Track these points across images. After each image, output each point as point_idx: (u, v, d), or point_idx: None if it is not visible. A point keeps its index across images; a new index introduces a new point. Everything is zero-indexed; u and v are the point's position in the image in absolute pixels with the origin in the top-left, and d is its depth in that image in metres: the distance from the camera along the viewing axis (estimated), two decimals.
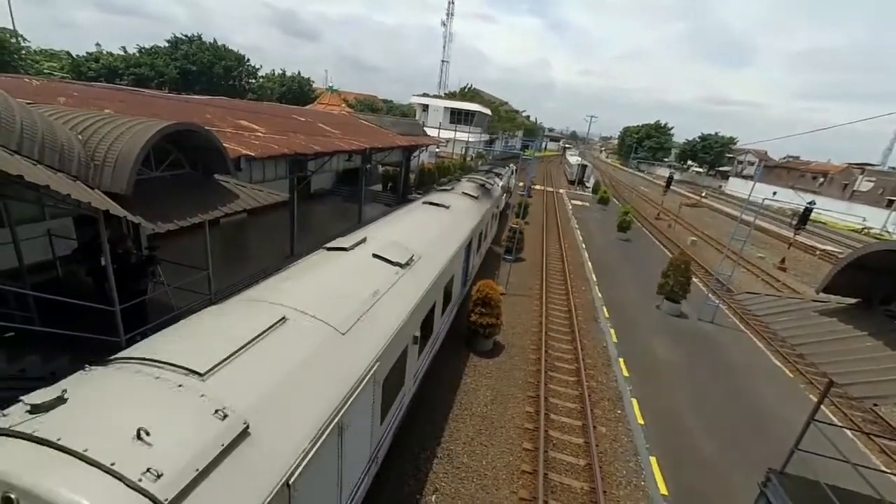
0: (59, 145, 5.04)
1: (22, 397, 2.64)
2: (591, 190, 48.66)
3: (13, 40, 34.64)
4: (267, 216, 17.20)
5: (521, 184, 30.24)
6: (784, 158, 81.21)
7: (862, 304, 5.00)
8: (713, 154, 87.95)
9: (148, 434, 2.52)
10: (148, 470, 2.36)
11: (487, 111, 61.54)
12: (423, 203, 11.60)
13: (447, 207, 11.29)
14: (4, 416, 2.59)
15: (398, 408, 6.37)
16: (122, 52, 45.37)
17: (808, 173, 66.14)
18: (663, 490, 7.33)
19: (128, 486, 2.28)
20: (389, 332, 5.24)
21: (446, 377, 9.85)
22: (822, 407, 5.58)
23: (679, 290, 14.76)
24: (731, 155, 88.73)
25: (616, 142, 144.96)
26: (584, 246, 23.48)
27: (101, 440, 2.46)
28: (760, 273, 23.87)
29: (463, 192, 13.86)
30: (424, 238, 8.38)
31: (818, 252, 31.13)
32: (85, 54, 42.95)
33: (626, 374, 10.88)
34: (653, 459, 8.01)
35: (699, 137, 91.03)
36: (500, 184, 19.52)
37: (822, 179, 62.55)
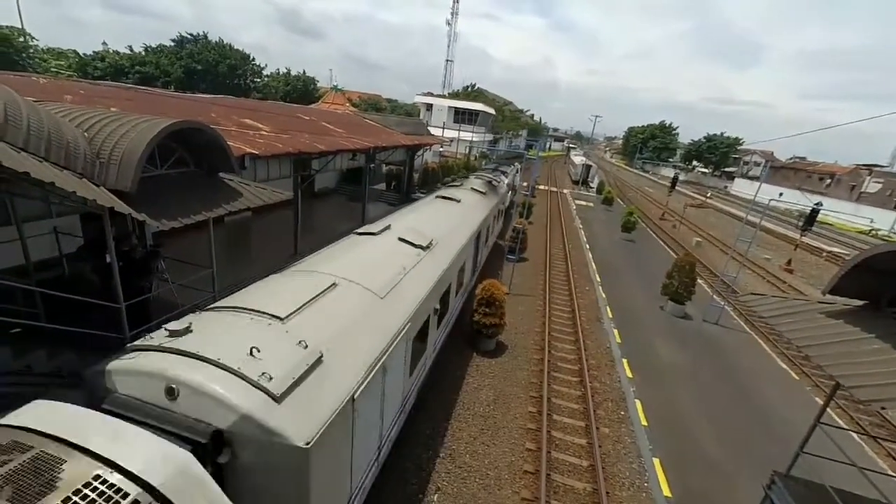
0: (65, 143, 5.07)
1: (165, 325, 3.76)
2: (595, 190, 48.52)
3: (21, 39, 34.94)
4: (271, 215, 17.25)
5: (525, 184, 30.20)
6: (790, 159, 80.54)
7: (869, 306, 4.94)
8: (718, 154, 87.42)
9: (259, 351, 3.56)
10: (263, 374, 3.40)
11: (491, 111, 61.44)
12: (436, 197, 12.58)
13: (458, 201, 12.21)
14: (151, 338, 3.69)
15: (422, 368, 7.32)
16: (127, 51, 45.67)
17: (815, 174, 65.58)
18: (667, 492, 7.29)
19: (250, 383, 3.32)
20: (416, 301, 6.16)
21: (449, 377, 9.84)
22: (828, 410, 5.53)
23: (684, 292, 14.67)
24: (736, 155, 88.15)
25: (621, 142, 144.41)
26: (587, 246, 23.40)
27: (227, 354, 3.46)
28: (766, 274, 23.69)
29: (472, 188, 14.62)
30: (440, 227, 9.17)
31: (825, 254, 30.86)
32: (91, 53, 43.27)
33: (629, 375, 10.83)
34: (656, 461, 7.97)
35: (704, 138, 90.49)
36: (506, 181, 20.41)
37: (829, 180, 62.02)
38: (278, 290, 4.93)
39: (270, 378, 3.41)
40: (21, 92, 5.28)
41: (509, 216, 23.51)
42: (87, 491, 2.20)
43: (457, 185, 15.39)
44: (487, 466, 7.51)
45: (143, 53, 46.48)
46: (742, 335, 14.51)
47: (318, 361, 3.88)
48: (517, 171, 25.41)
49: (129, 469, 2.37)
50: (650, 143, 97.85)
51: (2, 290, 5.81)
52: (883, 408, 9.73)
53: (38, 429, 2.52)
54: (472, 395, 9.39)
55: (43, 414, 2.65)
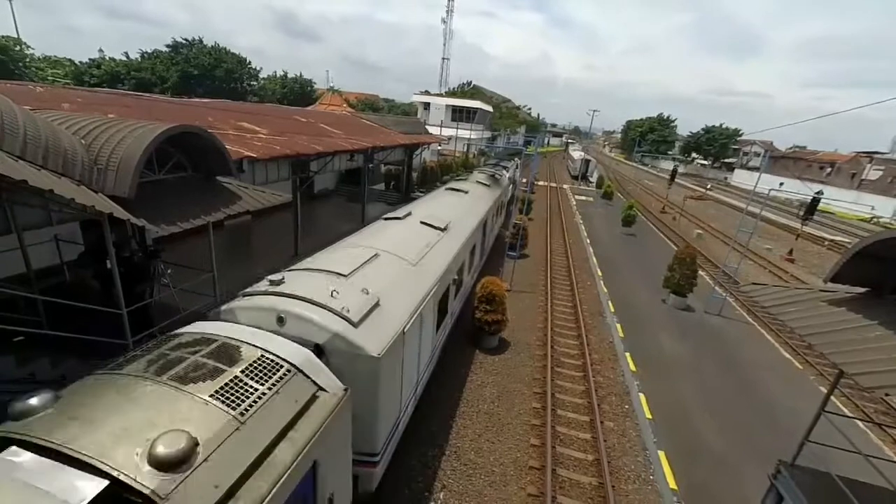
0: (63, 150, 5.08)
1: (266, 277, 5.26)
2: (594, 185, 48.44)
3: (17, 48, 34.97)
4: (271, 218, 17.26)
5: (524, 180, 30.20)
6: (790, 149, 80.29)
7: (871, 293, 4.93)
8: (717, 146, 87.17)
9: (337, 293, 5.03)
10: (343, 307, 4.83)
11: (489, 108, 61.33)
12: (447, 189, 14.11)
13: (466, 192, 13.73)
14: (255, 287, 5.17)
15: (444, 328, 8.86)
16: (123, 58, 45.69)
17: (816, 163, 65.35)
18: (672, 484, 7.29)
19: (336, 313, 4.74)
20: (440, 270, 7.63)
21: (452, 374, 9.85)
22: (832, 398, 5.52)
23: (685, 284, 14.65)
24: (736, 146, 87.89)
25: (619, 136, 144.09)
26: (588, 241, 23.37)
27: (316, 294, 4.91)
28: (768, 265, 23.65)
29: (477, 181, 16.13)
30: (453, 214, 10.59)
31: (826, 242, 30.78)
32: (88, 60, 43.31)
33: (633, 368, 10.82)
34: (661, 454, 7.96)
35: (703, 129, 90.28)
36: (507, 175, 21.97)
37: (829, 169, 61.80)
38: (335, 258, 6.36)
39: (349, 310, 4.86)
40: (18, 100, 5.28)
41: (510, 209, 23.87)
42: (258, 363, 3.59)
43: (463, 179, 16.67)
44: (493, 463, 7.52)
45: (139, 60, 46.48)
46: (744, 326, 14.49)
47: (377, 304, 5.36)
48: (517, 167, 27.26)
49: (279, 353, 3.79)
50: (649, 137, 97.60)
51: (4, 299, 5.83)
52: (887, 394, 9.71)
53: (214, 333, 3.86)
54: (475, 393, 9.40)
55: (210, 327, 4.07)
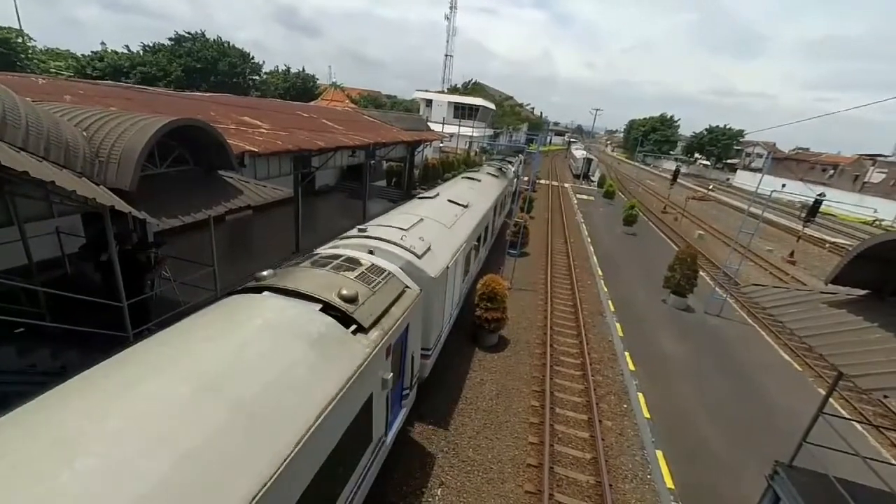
0: (65, 142, 5.07)
1: (357, 227, 7.96)
2: (596, 184, 48.36)
3: (19, 40, 34.91)
4: (272, 213, 17.28)
5: (525, 178, 30.16)
6: (793, 150, 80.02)
7: (872, 296, 4.92)
8: (720, 146, 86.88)
9: (404, 238, 7.44)
10: (410, 246, 7.26)
11: (491, 106, 61.17)
12: (463, 177, 16.95)
13: (479, 181, 16.32)
14: (348, 233, 7.80)
15: (468, 278, 11.75)
16: (125, 51, 45.56)
17: (818, 165, 65.11)
18: (670, 484, 7.31)
19: (405, 248, 7.15)
20: (466, 234, 10.09)
21: (451, 372, 9.87)
22: (831, 400, 5.52)
23: (685, 284, 14.64)
24: (739, 147, 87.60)
25: (622, 135, 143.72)
26: (589, 240, 23.35)
27: (391, 237, 7.38)
28: (769, 266, 23.63)
29: (487, 173, 19.21)
30: (471, 196, 12.90)
31: (828, 245, 30.73)
32: (90, 53, 43.20)
33: (632, 368, 10.83)
34: (659, 453, 7.98)
35: (706, 130, 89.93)
36: (512, 169, 24.82)
37: (832, 171, 61.59)
38: (395, 219, 8.81)
39: (413, 248, 7.29)
40: (20, 92, 5.27)
41: (512, 207, 24.40)
42: (371, 268, 5.72)
43: (476, 171, 20.15)
44: (491, 460, 7.54)
45: (142, 53, 46.35)
46: (744, 327, 14.49)
47: (430, 248, 7.76)
48: (521, 162, 29.69)
49: (381, 265, 6.01)
50: (651, 136, 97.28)
51: (5, 291, 5.84)
52: (886, 396, 9.70)
53: (338, 253, 6.16)
54: (474, 390, 9.42)
55: (333, 250, 6.49)
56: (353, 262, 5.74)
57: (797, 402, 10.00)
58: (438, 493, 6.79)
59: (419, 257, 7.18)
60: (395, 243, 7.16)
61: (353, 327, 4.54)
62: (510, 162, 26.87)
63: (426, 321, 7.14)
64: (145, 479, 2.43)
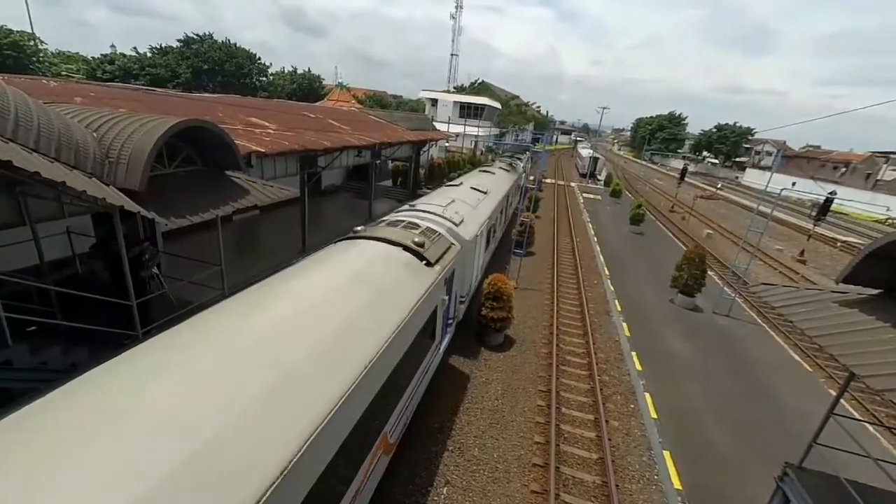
0: (75, 143, 5.15)
1: (407, 203, 11.21)
2: (603, 183, 48.04)
3: (31, 43, 35.45)
4: (278, 212, 17.40)
5: (531, 177, 30.10)
6: (804, 148, 78.90)
7: (884, 295, 4.84)
8: (729, 144, 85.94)
9: (445, 211, 9.81)
10: (449, 217, 9.61)
11: (497, 105, 61.00)
12: (480, 171, 19.51)
13: (493, 173, 18.60)
14: (400, 208, 10.36)
15: (489, 252, 14.45)
16: (134, 53, 46.10)
17: (829, 163, 64.17)
18: (677, 484, 7.25)
19: (448, 219, 9.44)
20: (488, 213, 12.37)
21: (457, 371, 9.87)
22: (842, 401, 5.44)
23: (693, 284, 14.50)
24: (748, 145, 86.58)
25: (629, 134, 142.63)
26: (595, 239, 23.22)
27: (436, 210, 9.66)
28: (778, 266, 23.33)
29: (500, 167, 21.74)
30: (489, 185, 15.42)
31: (839, 244, 30.26)
32: (100, 56, 43.79)
33: (639, 368, 10.76)
34: (666, 454, 7.92)
35: (715, 128, 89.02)
36: (521, 164, 27.67)
37: (843, 169, 60.66)
38: (434, 199, 11.15)
39: (452, 218, 9.51)
40: (32, 94, 5.36)
41: (521, 200, 24.90)
42: (427, 229, 8.04)
43: (490, 165, 23.07)
44: (496, 460, 7.53)
45: (150, 55, 46.87)
46: (753, 327, 14.32)
47: (463, 220, 9.89)
48: (528, 159, 32.75)
49: (434, 227, 8.39)
50: (659, 135, 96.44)
51: (18, 290, 5.94)
52: None
53: (400, 219, 8.36)
54: (480, 390, 9.41)
55: (395, 217, 8.77)
56: (414, 225, 8.08)
57: (807, 403, 9.87)
58: (444, 491, 6.79)
59: (457, 225, 9.45)
60: (438, 215, 9.40)
61: (424, 262, 6.76)
62: (519, 159, 29.73)
63: (461, 274, 9.28)
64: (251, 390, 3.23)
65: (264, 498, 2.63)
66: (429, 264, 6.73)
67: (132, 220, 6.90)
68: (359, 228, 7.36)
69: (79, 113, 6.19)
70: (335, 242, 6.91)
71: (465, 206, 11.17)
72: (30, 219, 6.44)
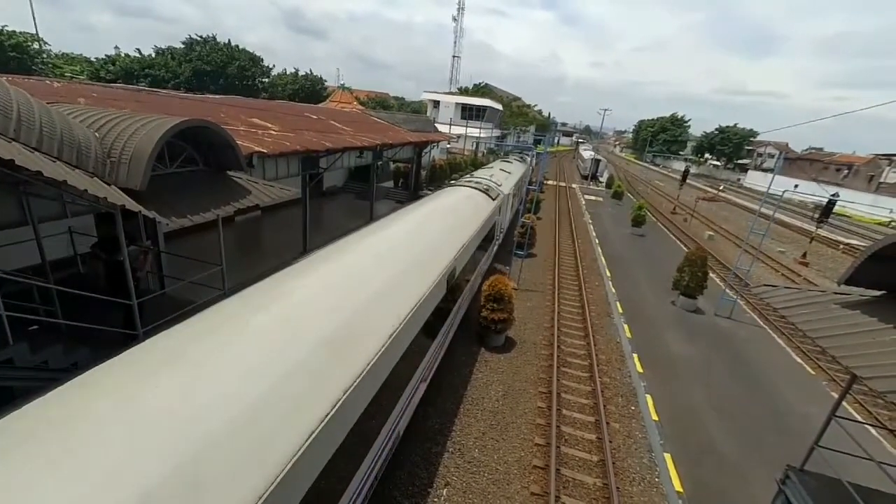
0: (77, 142, 5.16)
1: (469, 174, 18.64)
2: (604, 185, 48.00)
3: (35, 45, 35.64)
4: (280, 213, 17.43)
5: (533, 179, 30.22)
6: (806, 150, 78.75)
7: (887, 296, 4.81)
8: (731, 147, 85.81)
9: (492, 178, 16.37)
10: (495, 183, 15.51)
11: (499, 106, 61.07)
12: (501, 160, 26.32)
13: (511, 163, 24.93)
14: (459, 179, 16.37)
15: (511, 213, 20.04)
16: (137, 55, 46.31)
17: (832, 165, 64.06)
18: (678, 487, 7.21)
19: (495, 183, 15.53)
20: (512, 185, 18.94)
21: (457, 372, 9.85)
22: (844, 403, 5.40)
23: (695, 286, 14.45)
24: (750, 147, 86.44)
25: (630, 136, 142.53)
26: (597, 241, 23.18)
27: (486, 177, 16.11)
28: (780, 268, 23.26)
29: (514, 160, 27.93)
30: (511, 169, 21.86)
31: (842, 246, 30.15)
32: (104, 57, 44.00)
33: (640, 369, 10.72)
34: (667, 456, 7.88)
35: (717, 130, 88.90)
36: (528, 160, 32.84)
37: (846, 171, 60.54)
38: (481, 174, 17.37)
39: (498, 182, 16.06)
40: (35, 95, 5.38)
41: (522, 202, 26.20)
42: (488, 185, 14.54)
43: (508, 159, 28.23)
44: (497, 461, 7.51)
45: (153, 56, 47.07)
46: (755, 329, 14.27)
47: (501, 184, 16.16)
48: (533, 156, 35.92)
49: (489, 184, 14.85)
50: (660, 137, 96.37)
51: (20, 289, 5.95)
52: None
53: (471, 179, 15.24)
54: (480, 391, 9.39)
55: (466, 180, 14.95)
56: (480, 181, 14.27)
57: (809, 406, 9.82)
58: (444, 493, 6.77)
59: (499, 185, 15.51)
60: (489, 179, 15.56)
61: (489, 198, 12.83)
62: (526, 155, 35.71)
63: (502, 213, 14.95)
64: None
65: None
66: (490, 199, 13.15)
67: (134, 220, 6.92)
68: (454, 179, 9.33)
69: (81, 113, 6.21)
70: (442, 188, 13.61)
71: (500, 176, 17.63)
72: (32, 218, 6.46)
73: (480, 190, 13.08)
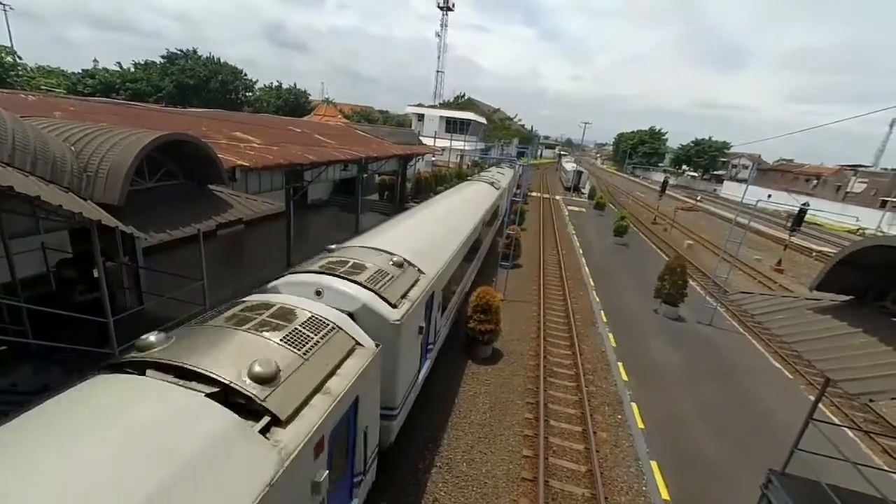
0: (52, 157, 5.05)
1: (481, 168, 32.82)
2: (587, 196, 48.91)
3: (9, 58, 34.85)
4: (264, 227, 17.21)
5: (517, 190, 30.69)
6: (778, 161, 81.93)
7: (855, 301, 5.01)
8: (707, 158, 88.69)
9: (492, 178, 23.66)
10: (495, 180, 23.28)
11: (482, 120, 62.01)
12: (495, 168, 32.48)
13: (503, 169, 31.24)
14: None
15: (508, 200, 24.11)
16: (117, 68, 45.66)
17: (802, 176, 66.71)
18: (665, 495, 7.25)
19: (494, 180, 23.07)
20: (506, 183, 25.32)
21: (444, 385, 9.77)
22: (822, 407, 5.56)
23: (676, 294, 14.76)
24: (725, 159, 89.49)
25: (611, 148, 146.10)
26: (581, 251, 23.53)
27: (486, 176, 24.59)
28: (757, 275, 23.93)
29: (504, 167, 33.28)
30: (500, 177, 25.29)
31: (814, 253, 31.26)
32: (81, 70, 43.23)
33: (625, 378, 10.83)
34: (654, 464, 7.93)
35: (693, 142, 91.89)
36: (514, 170, 34.90)
37: (815, 181, 63.09)
38: (483, 175, 25.82)
39: (497, 181, 23.37)
40: (8, 108, 5.26)
41: (507, 214, 27.26)
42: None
43: (501, 168, 32.72)
44: (485, 475, 7.43)
45: (133, 70, 46.47)
46: (735, 335, 14.59)
47: (499, 182, 23.29)
48: (518, 166, 37.86)
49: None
50: (640, 149, 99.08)
51: None
52: (872, 400, 9.77)
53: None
54: (468, 403, 9.33)
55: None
56: (488, 178, 21.42)
57: (789, 410, 10.03)
58: None
59: (499, 182, 22.24)
60: (492, 177, 22.44)
61: (494, 189, 19.11)
62: (513, 166, 38.36)
63: (502, 200, 21.46)
64: None
65: None
66: (495, 189, 19.09)
67: (111, 235, 6.75)
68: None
69: (57, 127, 6.09)
70: (463, 181, 20.46)
71: (499, 177, 23.89)
72: (3, 234, 6.25)
73: (489, 183, 20.12)
